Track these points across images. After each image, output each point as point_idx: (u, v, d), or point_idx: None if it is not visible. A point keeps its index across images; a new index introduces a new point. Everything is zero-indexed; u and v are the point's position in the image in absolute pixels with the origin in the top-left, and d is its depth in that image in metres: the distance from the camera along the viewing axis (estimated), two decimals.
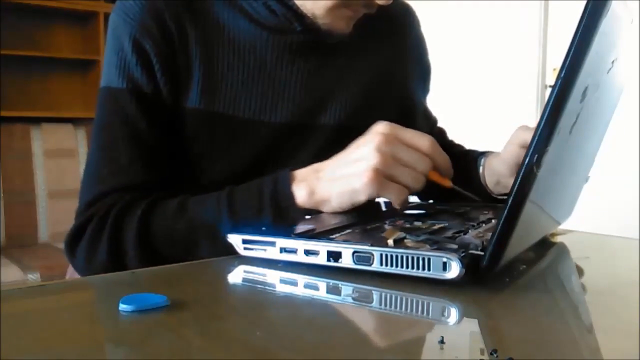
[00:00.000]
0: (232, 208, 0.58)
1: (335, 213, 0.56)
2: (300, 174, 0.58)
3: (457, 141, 0.90)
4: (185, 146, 0.66)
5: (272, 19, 0.66)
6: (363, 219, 0.55)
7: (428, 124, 0.87)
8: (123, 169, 0.63)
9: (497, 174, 0.71)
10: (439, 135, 0.88)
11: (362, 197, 0.53)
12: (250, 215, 0.57)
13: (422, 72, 0.84)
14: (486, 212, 0.61)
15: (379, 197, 0.54)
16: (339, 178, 0.55)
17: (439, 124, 0.91)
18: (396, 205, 0.54)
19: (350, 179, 0.53)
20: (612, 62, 0.45)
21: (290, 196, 0.56)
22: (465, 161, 0.78)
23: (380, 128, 0.54)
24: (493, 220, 0.55)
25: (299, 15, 0.65)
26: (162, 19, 0.65)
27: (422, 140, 0.54)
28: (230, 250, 0.51)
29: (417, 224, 0.52)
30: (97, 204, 0.62)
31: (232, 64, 0.66)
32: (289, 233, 0.48)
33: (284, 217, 0.56)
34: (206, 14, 0.67)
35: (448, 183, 0.57)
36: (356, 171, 0.53)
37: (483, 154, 0.77)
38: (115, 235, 0.60)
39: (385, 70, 0.76)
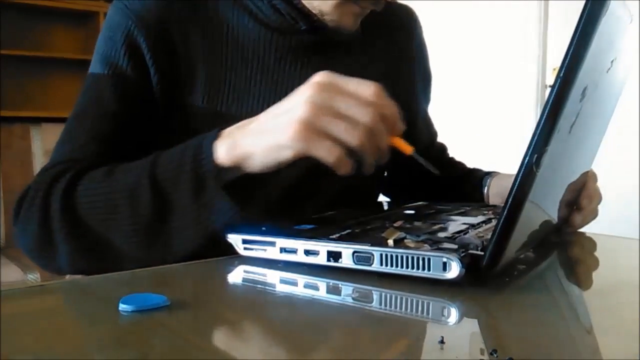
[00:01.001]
0: (153, 169, 0.54)
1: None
2: (229, 129, 0.52)
3: (457, 141, 0.90)
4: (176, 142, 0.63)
5: (276, 19, 0.66)
6: (363, 218, 0.55)
7: (428, 134, 0.86)
8: (80, 145, 0.62)
9: (503, 195, 0.71)
10: (440, 151, 0.87)
11: (288, 153, 0.47)
12: (168, 177, 0.53)
13: (424, 78, 0.84)
14: (486, 212, 0.61)
15: (308, 153, 0.47)
16: (265, 131, 0.49)
17: (442, 135, 0.90)
18: (330, 164, 0.47)
19: (275, 133, 0.47)
20: (612, 61, 0.45)
21: (210, 152, 0.51)
22: (468, 180, 0.77)
23: (317, 77, 0.48)
24: (493, 220, 0.55)
25: (304, 14, 0.65)
26: (163, 17, 0.64)
27: (364, 88, 0.48)
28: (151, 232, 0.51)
29: (417, 224, 0.52)
30: (46, 173, 0.61)
31: (235, 63, 0.66)
32: (289, 233, 0.48)
33: (202, 182, 0.51)
34: (210, 13, 0.66)
35: (409, 149, 0.50)
36: (282, 123, 0.47)
37: (489, 174, 0.77)
38: (46, 201, 0.57)
39: (390, 71, 0.76)
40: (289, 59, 0.68)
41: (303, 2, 0.65)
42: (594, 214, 0.62)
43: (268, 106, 0.67)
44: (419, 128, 0.82)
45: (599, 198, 0.62)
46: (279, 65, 0.67)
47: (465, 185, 0.78)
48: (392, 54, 0.78)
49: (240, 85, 0.66)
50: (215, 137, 0.52)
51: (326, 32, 0.67)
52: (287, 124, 0.47)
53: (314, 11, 0.65)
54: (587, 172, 0.60)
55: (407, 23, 0.82)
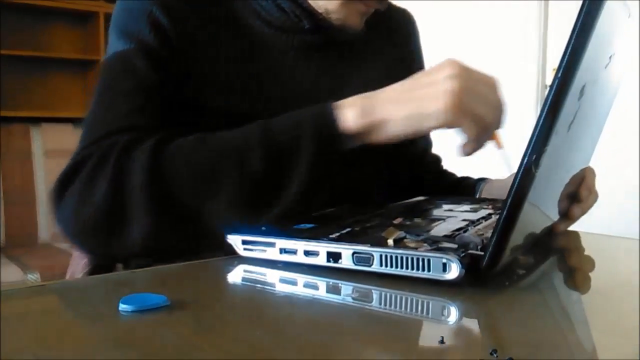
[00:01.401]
0: (264, 134, 0.52)
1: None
2: (347, 101, 0.52)
3: (457, 141, 0.90)
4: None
5: (280, 17, 0.66)
6: (362, 215, 0.55)
7: (425, 141, 0.85)
8: (125, 114, 0.58)
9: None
10: (434, 163, 0.86)
11: (432, 124, 0.48)
12: (284, 142, 0.51)
13: None
14: (486, 206, 0.61)
15: (453, 125, 0.48)
16: (407, 100, 0.49)
17: (442, 135, 0.90)
18: (472, 140, 0.48)
19: (423, 102, 0.47)
20: (610, 57, 0.45)
21: (334, 119, 0.50)
22: (461, 187, 0.77)
23: (450, 59, 0.49)
24: (493, 216, 0.55)
25: (309, 12, 0.65)
26: (181, 7, 0.63)
27: (489, 77, 0.49)
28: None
29: (417, 220, 0.52)
30: (94, 145, 0.56)
31: (238, 62, 0.65)
32: (289, 233, 0.48)
33: (327, 144, 0.51)
34: (223, 9, 0.66)
35: (501, 145, 0.51)
36: (432, 94, 0.47)
37: (480, 180, 0.77)
38: (119, 169, 0.52)
39: (390, 73, 0.76)
40: (292, 58, 0.67)
41: (308, 1, 0.65)
42: (590, 206, 0.62)
43: (270, 103, 0.67)
44: None
45: (596, 194, 0.61)
46: (283, 65, 0.67)
47: (458, 192, 0.78)
48: (390, 56, 0.78)
49: (243, 85, 0.66)
50: (331, 107, 0.52)
51: (329, 32, 0.67)
52: (438, 95, 0.47)
53: (319, 10, 0.65)
54: (586, 168, 0.60)
55: (406, 27, 0.82)
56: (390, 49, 0.78)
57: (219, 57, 0.64)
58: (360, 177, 0.70)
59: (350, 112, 0.51)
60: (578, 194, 0.59)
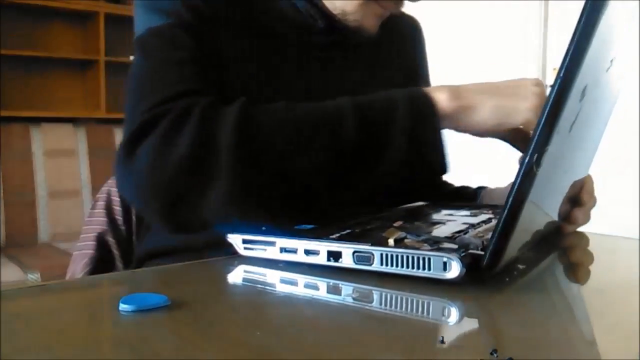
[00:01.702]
0: (357, 105, 0.52)
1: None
2: (432, 87, 0.55)
3: (457, 141, 0.90)
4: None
5: (296, 17, 0.66)
6: (363, 218, 0.55)
7: None
8: (182, 79, 0.56)
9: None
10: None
11: (518, 119, 0.52)
12: (376, 112, 0.52)
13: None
14: (486, 211, 0.61)
15: (531, 126, 0.51)
16: (500, 93, 0.53)
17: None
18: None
19: (515, 97, 0.52)
20: (611, 60, 0.45)
21: (426, 98, 0.52)
22: (460, 195, 0.78)
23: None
24: (493, 220, 0.55)
25: (323, 12, 0.65)
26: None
27: None
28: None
29: (418, 223, 0.52)
30: (162, 106, 0.52)
31: (254, 60, 0.65)
32: (289, 233, 0.48)
33: (421, 120, 0.51)
34: (240, 9, 0.66)
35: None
36: (525, 93, 0.52)
37: (481, 188, 0.77)
38: (204, 127, 0.49)
39: (396, 78, 0.77)
40: (305, 58, 0.67)
41: (324, 1, 0.65)
42: (587, 220, 0.62)
43: (277, 101, 0.66)
44: None
45: (595, 199, 0.62)
46: (296, 63, 0.67)
47: (459, 200, 0.78)
48: (397, 61, 0.78)
49: (259, 80, 0.65)
50: (421, 88, 0.54)
51: (344, 33, 0.67)
52: (527, 95, 0.51)
53: (335, 11, 0.65)
54: (586, 176, 0.60)
55: (412, 33, 0.83)
56: (397, 56, 0.78)
57: (237, 52, 0.64)
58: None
59: (441, 94, 0.53)
60: (580, 198, 0.60)
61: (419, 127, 0.52)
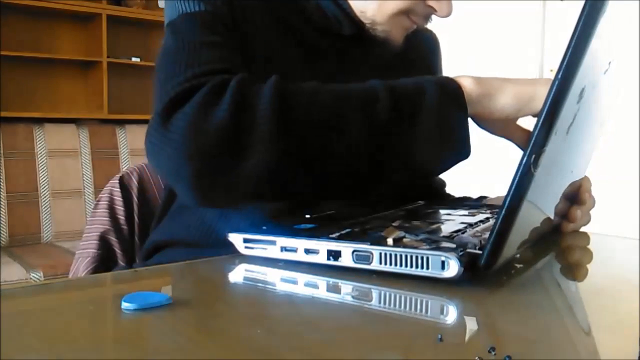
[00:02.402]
0: (389, 87, 0.54)
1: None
2: (458, 75, 0.56)
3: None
4: None
5: (323, 21, 0.66)
6: (362, 217, 0.55)
7: None
8: (216, 59, 0.55)
9: None
10: (439, 186, 0.86)
11: (538, 104, 0.53)
12: (411, 95, 0.54)
13: None
14: (484, 211, 0.62)
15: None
16: (516, 83, 0.54)
17: None
18: None
19: (534, 85, 0.53)
20: (609, 63, 0.45)
21: (453, 81, 0.54)
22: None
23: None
24: (490, 220, 0.55)
25: (351, 19, 0.65)
26: None
27: None
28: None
29: (416, 223, 0.53)
30: (197, 79, 0.52)
31: (277, 60, 0.65)
32: (289, 232, 0.48)
33: (449, 101, 0.53)
34: (274, 10, 0.66)
35: None
36: (543, 82, 0.53)
37: (482, 197, 0.78)
38: (241, 98, 0.49)
39: None
40: (328, 62, 0.68)
41: (355, 11, 0.65)
42: (587, 220, 0.63)
43: None
44: None
45: (594, 199, 0.62)
46: (319, 66, 0.67)
47: None
48: (415, 74, 0.78)
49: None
50: (447, 76, 0.56)
51: (370, 42, 0.67)
52: (547, 83, 0.52)
53: (365, 20, 0.65)
54: (583, 177, 0.61)
55: (432, 47, 0.83)
56: (417, 67, 0.78)
57: (263, 50, 0.64)
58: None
59: (465, 80, 0.55)
60: (579, 196, 0.60)
61: (446, 109, 0.54)
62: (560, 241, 0.60)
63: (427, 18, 0.66)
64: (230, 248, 0.51)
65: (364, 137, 0.52)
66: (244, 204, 0.58)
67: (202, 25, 0.59)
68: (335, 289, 0.43)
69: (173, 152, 0.49)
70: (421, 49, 0.81)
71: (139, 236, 0.80)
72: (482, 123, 0.59)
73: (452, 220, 0.55)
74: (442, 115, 0.54)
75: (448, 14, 0.63)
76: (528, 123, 0.69)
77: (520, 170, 0.37)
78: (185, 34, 0.58)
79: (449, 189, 0.86)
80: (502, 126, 0.59)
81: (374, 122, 0.52)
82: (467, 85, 0.55)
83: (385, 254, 0.42)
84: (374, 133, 0.52)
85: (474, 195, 0.82)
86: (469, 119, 0.56)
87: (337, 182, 0.55)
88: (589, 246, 0.60)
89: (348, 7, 0.65)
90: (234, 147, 0.49)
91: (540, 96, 0.53)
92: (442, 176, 0.87)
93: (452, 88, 0.55)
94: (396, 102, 0.53)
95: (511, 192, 0.38)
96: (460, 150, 0.56)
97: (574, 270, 0.52)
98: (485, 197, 0.78)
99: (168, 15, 0.62)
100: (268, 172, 0.50)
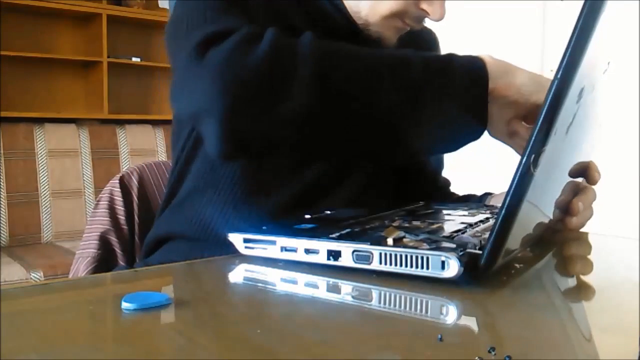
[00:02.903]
0: (419, 54, 0.55)
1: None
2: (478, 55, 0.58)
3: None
4: None
5: (323, 21, 0.67)
6: (362, 217, 0.55)
7: (435, 163, 0.85)
8: (239, 22, 0.54)
9: None
10: (444, 186, 0.86)
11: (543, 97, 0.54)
12: (437, 62, 0.55)
13: None
14: (483, 211, 0.62)
15: None
16: (528, 70, 0.56)
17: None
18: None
19: (543, 78, 0.55)
20: (608, 63, 0.45)
21: (475, 56, 0.56)
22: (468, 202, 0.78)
23: None
24: (490, 220, 0.55)
25: (347, 20, 0.66)
26: None
27: None
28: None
29: (416, 223, 0.53)
30: (237, 26, 0.51)
31: None
32: (289, 232, 0.48)
33: (472, 71, 0.54)
34: (275, 5, 0.66)
35: None
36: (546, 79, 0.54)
37: (487, 194, 0.78)
38: (280, 41, 0.49)
39: None
40: None
41: (350, 10, 0.66)
42: (590, 214, 0.62)
43: None
44: None
45: (594, 196, 0.61)
46: None
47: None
48: None
49: None
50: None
51: (365, 43, 0.67)
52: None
53: (359, 22, 0.66)
54: (588, 162, 0.59)
55: (430, 45, 0.84)
56: None
57: None
58: (375, 183, 0.72)
59: (487, 57, 0.56)
60: (588, 175, 0.59)
61: (471, 79, 0.54)
62: (561, 245, 0.60)
63: (419, 21, 0.66)
64: (231, 246, 0.51)
65: (398, 96, 0.53)
66: (271, 154, 0.55)
67: (223, 9, 0.58)
68: (335, 289, 0.43)
69: (207, 86, 0.48)
70: (421, 47, 0.81)
71: (139, 236, 0.80)
72: (490, 113, 0.58)
73: (452, 220, 0.55)
74: (468, 86, 0.54)
75: (441, 18, 0.64)
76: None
77: (520, 170, 0.37)
78: (199, 5, 0.57)
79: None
80: (505, 120, 0.59)
81: (408, 85, 0.53)
82: (489, 60, 0.56)
83: (385, 254, 0.42)
84: (407, 94, 0.52)
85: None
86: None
87: (364, 147, 0.55)
88: (589, 248, 0.60)
89: (344, 7, 0.66)
90: (272, 86, 0.48)
91: (546, 79, 0.54)
92: (444, 176, 0.87)
93: (474, 60, 0.56)
94: (427, 66, 0.54)
95: (511, 192, 0.38)
96: (478, 128, 0.56)
97: (574, 271, 0.52)
98: (490, 194, 0.78)
99: None
100: (303, 119, 0.49)
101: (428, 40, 0.83)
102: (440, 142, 0.58)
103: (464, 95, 0.54)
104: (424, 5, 0.63)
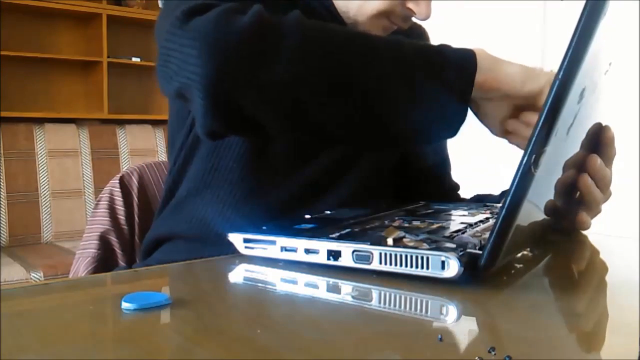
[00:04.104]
0: (410, 41, 0.54)
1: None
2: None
3: (457, 141, 0.90)
4: None
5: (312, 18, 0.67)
6: (362, 217, 0.55)
7: (442, 167, 0.85)
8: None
9: None
10: (452, 190, 0.86)
11: (542, 81, 0.53)
12: (427, 46, 0.55)
13: None
14: (483, 211, 0.62)
15: (540, 96, 0.54)
16: (520, 64, 0.55)
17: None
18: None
19: (534, 69, 0.54)
20: (609, 63, 0.45)
21: (466, 49, 0.55)
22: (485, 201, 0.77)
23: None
24: (490, 220, 0.55)
25: (336, 19, 0.67)
26: None
27: None
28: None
29: (416, 223, 0.53)
30: (218, 3, 0.50)
31: None
32: (289, 232, 0.48)
33: (466, 59, 0.53)
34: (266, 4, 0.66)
35: None
36: (540, 68, 0.54)
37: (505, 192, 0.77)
38: (266, 15, 0.48)
39: None
40: None
41: (339, 9, 0.66)
42: (607, 197, 0.59)
43: None
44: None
45: (609, 178, 0.56)
46: None
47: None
48: None
49: None
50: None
51: None
52: (545, 70, 0.54)
53: (348, 21, 0.67)
54: (605, 127, 0.56)
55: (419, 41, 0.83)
56: None
57: None
58: (377, 186, 0.72)
59: (478, 49, 0.55)
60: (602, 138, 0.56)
61: (459, 63, 0.53)
62: (561, 245, 0.60)
63: (406, 20, 0.67)
64: (230, 245, 0.51)
65: (391, 69, 0.52)
66: (259, 131, 0.53)
67: None
68: (335, 289, 0.43)
69: (190, 52, 0.47)
70: None
71: (139, 236, 0.81)
72: (484, 109, 0.57)
73: (452, 220, 0.55)
74: (457, 64, 0.53)
75: (427, 17, 0.64)
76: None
77: (520, 170, 0.37)
78: None
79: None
80: (501, 115, 0.58)
81: (401, 60, 0.52)
82: (480, 52, 0.55)
83: (385, 254, 0.42)
84: (400, 69, 0.52)
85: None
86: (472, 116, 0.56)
87: (354, 123, 0.53)
88: (589, 248, 0.60)
89: (332, 6, 0.66)
90: (256, 51, 0.47)
91: (542, 79, 0.53)
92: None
93: (467, 51, 0.55)
94: (420, 50, 0.53)
95: (511, 192, 0.38)
96: (457, 120, 0.54)
97: (575, 271, 0.52)
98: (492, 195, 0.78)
99: None
100: (289, 89, 0.48)
101: (418, 36, 0.84)
102: (420, 125, 0.54)
103: (451, 75, 0.53)
104: (410, 5, 0.64)
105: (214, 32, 0.47)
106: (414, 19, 0.66)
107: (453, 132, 0.55)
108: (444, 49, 0.54)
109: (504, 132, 0.60)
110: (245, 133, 0.59)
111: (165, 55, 0.51)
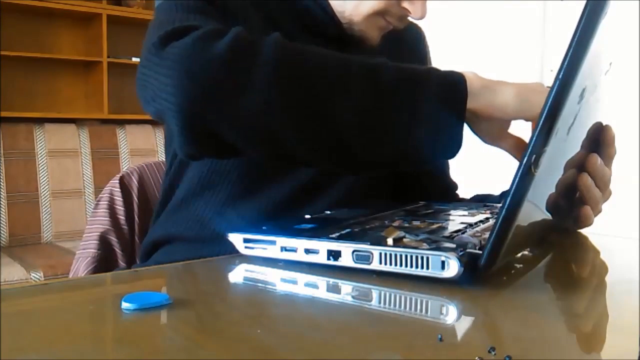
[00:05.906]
0: (395, 64, 0.52)
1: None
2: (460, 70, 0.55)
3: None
4: None
5: (310, 21, 0.68)
6: (362, 217, 0.55)
7: (440, 166, 0.85)
8: (212, 23, 0.53)
9: None
10: (451, 189, 0.85)
11: (536, 108, 0.49)
12: (417, 71, 0.52)
13: None
14: (483, 211, 0.62)
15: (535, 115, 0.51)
16: (516, 85, 0.52)
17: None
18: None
19: (534, 92, 0.51)
20: (610, 64, 0.45)
21: (456, 72, 0.52)
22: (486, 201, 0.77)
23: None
24: (490, 220, 0.55)
25: (332, 19, 0.67)
26: None
27: None
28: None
29: (416, 223, 0.53)
30: (196, 27, 0.50)
31: None
32: (289, 232, 0.48)
33: (452, 84, 0.51)
34: (260, 7, 0.66)
35: None
36: (539, 89, 0.51)
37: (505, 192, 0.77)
38: (243, 39, 0.48)
39: None
40: None
41: (335, 9, 0.66)
42: (607, 196, 0.58)
43: None
44: None
45: (608, 177, 0.56)
46: None
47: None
48: None
49: None
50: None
51: (349, 41, 0.68)
52: (544, 90, 0.51)
53: (343, 21, 0.67)
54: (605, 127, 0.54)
55: (417, 43, 0.83)
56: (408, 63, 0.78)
57: None
58: (376, 187, 0.72)
59: (469, 73, 0.53)
60: (603, 138, 0.55)
61: (448, 96, 0.51)
62: (561, 245, 0.60)
63: (402, 19, 0.67)
64: (228, 243, 0.51)
65: (366, 101, 0.50)
66: (236, 155, 0.53)
67: (193, 9, 0.58)
68: (335, 289, 0.43)
69: (165, 79, 0.47)
70: (406, 43, 0.81)
71: (139, 236, 0.81)
72: (478, 125, 0.56)
73: (452, 220, 0.55)
74: (443, 98, 0.51)
75: (422, 16, 0.64)
76: (527, 123, 0.69)
77: (520, 171, 0.37)
78: (172, 6, 0.57)
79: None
80: (495, 131, 0.57)
81: (378, 89, 0.50)
82: (470, 77, 0.53)
83: (385, 254, 0.42)
84: (376, 100, 0.50)
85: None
86: (467, 126, 0.55)
87: (330, 152, 0.52)
88: (589, 248, 0.60)
89: (328, 6, 0.66)
90: (230, 82, 0.47)
91: (538, 102, 0.51)
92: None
93: (453, 77, 0.53)
94: (402, 77, 0.51)
95: (511, 193, 0.38)
96: (451, 148, 0.53)
97: (574, 271, 0.52)
98: (492, 195, 0.78)
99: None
100: (264, 115, 0.47)
101: (414, 35, 0.83)
102: (413, 150, 0.53)
103: (433, 107, 0.51)
104: (406, 4, 0.64)
105: (188, 60, 0.47)
106: (410, 19, 0.66)
107: (450, 155, 0.53)
108: (429, 73, 0.52)
109: (499, 145, 0.58)
110: (222, 156, 0.59)
111: (142, 80, 0.51)
